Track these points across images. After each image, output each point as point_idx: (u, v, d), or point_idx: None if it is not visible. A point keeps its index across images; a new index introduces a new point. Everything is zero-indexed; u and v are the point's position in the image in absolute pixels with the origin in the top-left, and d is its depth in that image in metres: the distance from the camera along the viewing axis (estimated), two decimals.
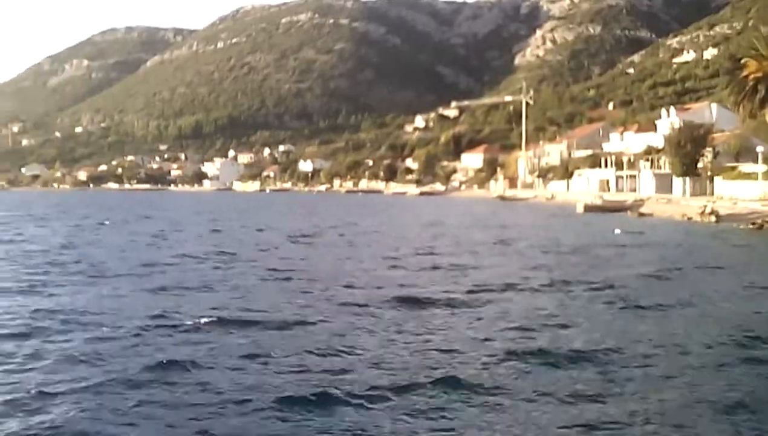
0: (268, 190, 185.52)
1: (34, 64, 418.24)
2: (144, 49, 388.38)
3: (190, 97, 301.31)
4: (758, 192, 51.22)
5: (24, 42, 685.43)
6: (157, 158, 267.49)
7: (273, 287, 18.91)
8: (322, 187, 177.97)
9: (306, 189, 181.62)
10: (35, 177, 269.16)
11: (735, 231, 37.03)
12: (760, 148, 53.99)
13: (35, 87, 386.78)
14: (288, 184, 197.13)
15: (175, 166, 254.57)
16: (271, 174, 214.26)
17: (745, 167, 59.02)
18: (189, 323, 13.39)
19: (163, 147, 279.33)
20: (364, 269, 22.44)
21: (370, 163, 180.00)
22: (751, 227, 37.42)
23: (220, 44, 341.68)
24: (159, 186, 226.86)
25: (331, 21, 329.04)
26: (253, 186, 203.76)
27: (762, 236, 35.04)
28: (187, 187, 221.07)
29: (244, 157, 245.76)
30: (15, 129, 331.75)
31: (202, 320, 13.45)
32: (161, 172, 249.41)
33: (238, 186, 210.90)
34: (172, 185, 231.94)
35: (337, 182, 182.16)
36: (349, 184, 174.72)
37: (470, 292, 17.11)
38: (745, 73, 60.56)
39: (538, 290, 17.70)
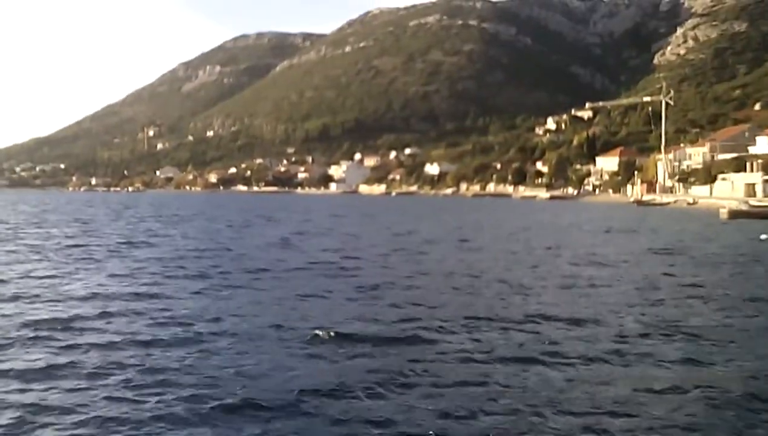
0: (393, 194, 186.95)
1: (169, 71, 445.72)
2: (273, 55, 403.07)
3: (317, 101, 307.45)
4: None
5: (159, 49, 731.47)
6: (285, 161, 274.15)
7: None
8: (449, 191, 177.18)
9: (432, 192, 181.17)
10: (169, 179, 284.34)
11: None
12: None
13: (170, 92, 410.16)
14: (414, 188, 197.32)
15: (302, 169, 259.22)
16: (397, 177, 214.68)
17: None
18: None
19: (290, 150, 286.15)
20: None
21: (498, 166, 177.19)
22: None
23: (347, 48, 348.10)
24: (286, 189, 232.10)
25: (460, 22, 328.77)
26: (379, 189, 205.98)
27: None
28: (313, 190, 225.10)
29: (370, 161, 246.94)
30: (151, 133, 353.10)
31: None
32: (288, 175, 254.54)
33: (364, 189, 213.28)
34: (299, 188, 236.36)
35: (463, 186, 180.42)
36: (476, 188, 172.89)
37: None
38: None
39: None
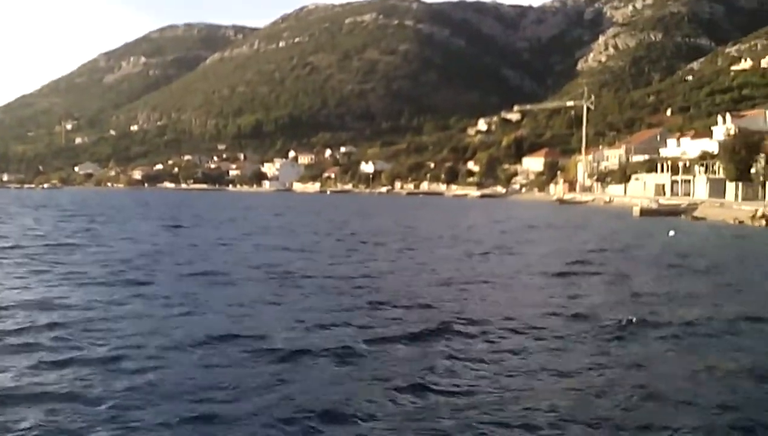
0: (328, 192, 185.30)
1: (89, 61, 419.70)
2: (203, 47, 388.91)
3: (250, 96, 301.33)
4: None
5: (77, 38, 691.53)
6: (215, 158, 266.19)
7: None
8: (384, 189, 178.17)
9: (367, 191, 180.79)
10: (88, 176, 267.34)
11: None
12: None
13: (90, 84, 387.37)
14: (349, 186, 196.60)
15: (233, 166, 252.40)
16: (332, 175, 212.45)
17: None
18: None
19: (221, 146, 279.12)
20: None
21: (432, 165, 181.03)
22: None
23: (282, 43, 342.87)
24: (217, 186, 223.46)
25: (396, 22, 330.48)
26: (314, 187, 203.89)
27: None
28: (245, 188, 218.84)
29: (305, 158, 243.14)
30: (69, 126, 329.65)
31: None
32: (219, 172, 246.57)
33: (298, 187, 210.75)
34: (231, 186, 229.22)
35: (398, 184, 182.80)
36: (410, 187, 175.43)
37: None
38: None
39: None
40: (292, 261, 25.43)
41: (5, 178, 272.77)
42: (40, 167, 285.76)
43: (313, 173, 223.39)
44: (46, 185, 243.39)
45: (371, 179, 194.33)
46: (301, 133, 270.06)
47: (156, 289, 18.68)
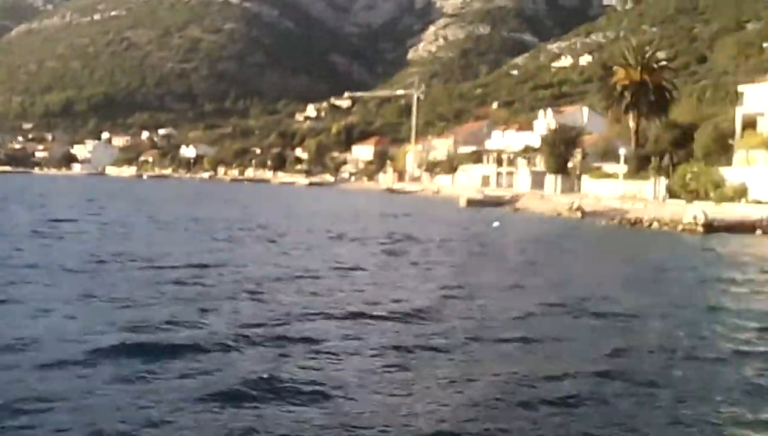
0: (145, 176, 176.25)
1: None
2: (8, 17, 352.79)
3: (61, 72, 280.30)
4: (618, 191, 55.71)
5: None
6: (20, 138, 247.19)
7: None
8: (206, 175, 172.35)
9: (188, 176, 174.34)
10: None
11: (595, 226, 41.14)
12: (621, 151, 58.61)
13: None
14: (168, 171, 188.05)
15: (40, 147, 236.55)
16: (150, 159, 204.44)
17: (609, 168, 63.83)
18: None
19: (27, 126, 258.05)
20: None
21: (258, 151, 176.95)
22: (611, 222, 41.47)
23: (97, 16, 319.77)
24: (21, 169, 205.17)
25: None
26: (129, 171, 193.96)
27: (619, 230, 39.11)
28: (53, 171, 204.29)
29: (120, 140, 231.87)
30: None
31: None
32: (24, 154, 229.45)
33: (112, 171, 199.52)
34: (37, 168, 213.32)
35: (221, 170, 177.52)
36: (234, 173, 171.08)
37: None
38: (614, 80, 66.16)
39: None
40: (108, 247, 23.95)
41: None
42: None
43: (128, 156, 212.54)
44: None
45: (192, 164, 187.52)
46: (116, 113, 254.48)
47: None
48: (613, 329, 13.21)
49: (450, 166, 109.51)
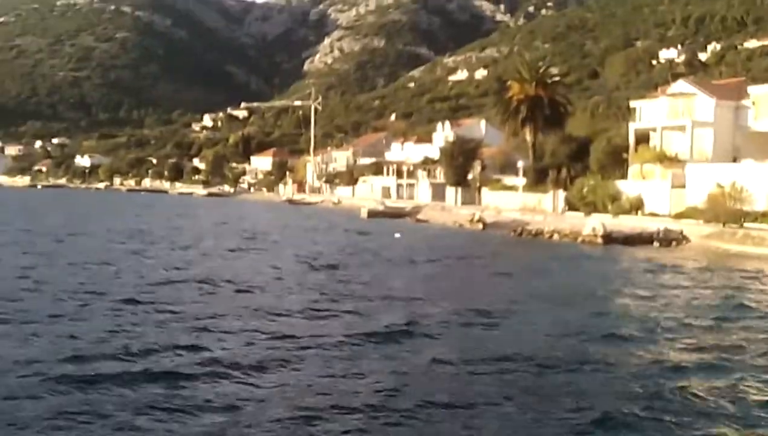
0: (39, 186, 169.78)
1: None
2: None
3: None
4: (518, 203, 57.57)
5: None
6: None
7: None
8: (101, 185, 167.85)
9: (83, 186, 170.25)
10: None
11: (496, 237, 42.25)
12: (520, 163, 60.61)
13: None
14: (63, 181, 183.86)
15: None
16: (44, 169, 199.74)
17: (508, 180, 65.72)
18: None
19: None
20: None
21: (155, 161, 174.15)
22: (512, 233, 42.55)
23: None
24: None
25: (113, 7, 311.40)
26: (23, 181, 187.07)
27: (518, 240, 40.40)
28: None
29: (12, 150, 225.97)
30: None
31: None
32: None
33: (5, 180, 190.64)
34: None
35: (117, 180, 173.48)
36: (131, 183, 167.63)
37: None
38: (509, 94, 67.59)
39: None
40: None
41: None
42: None
43: (21, 166, 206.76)
44: None
45: (88, 174, 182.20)
46: (7, 121, 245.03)
47: None
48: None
49: (350, 177, 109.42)
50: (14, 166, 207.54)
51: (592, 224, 38.33)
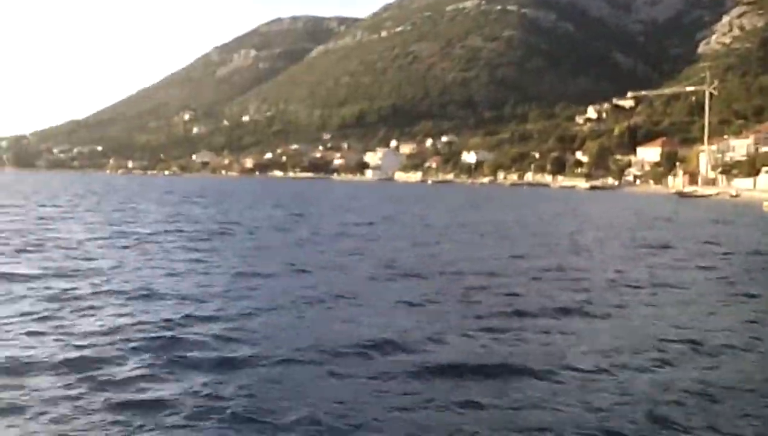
0: (430, 182, 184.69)
1: (203, 55, 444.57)
2: (309, 39, 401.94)
3: (354, 87, 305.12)
4: None
5: (193, 32, 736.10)
6: (320, 147, 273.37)
7: None
8: (485, 180, 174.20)
9: (469, 181, 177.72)
10: (204, 164, 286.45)
11: None
12: None
13: (204, 76, 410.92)
14: (450, 176, 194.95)
15: (337, 155, 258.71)
16: (433, 165, 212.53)
17: None
18: None
19: (326, 136, 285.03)
20: None
21: (537, 155, 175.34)
22: None
23: (384, 33, 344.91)
24: (322, 175, 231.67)
25: (499, 8, 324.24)
26: (415, 177, 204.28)
27: None
28: (349, 177, 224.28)
29: (406, 148, 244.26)
30: (186, 117, 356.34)
31: None
32: (324, 161, 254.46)
33: (400, 176, 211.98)
34: (335, 174, 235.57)
35: (501, 175, 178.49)
36: (513, 177, 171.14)
37: None
38: None
39: None
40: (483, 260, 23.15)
41: (130, 164, 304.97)
42: (162, 156, 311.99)
43: (414, 163, 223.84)
44: (167, 172, 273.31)
45: (473, 169, 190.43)
46: (403, 122, 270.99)
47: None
48: None
49: (750, 167, 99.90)
50: (408, 163, 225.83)
51: None
